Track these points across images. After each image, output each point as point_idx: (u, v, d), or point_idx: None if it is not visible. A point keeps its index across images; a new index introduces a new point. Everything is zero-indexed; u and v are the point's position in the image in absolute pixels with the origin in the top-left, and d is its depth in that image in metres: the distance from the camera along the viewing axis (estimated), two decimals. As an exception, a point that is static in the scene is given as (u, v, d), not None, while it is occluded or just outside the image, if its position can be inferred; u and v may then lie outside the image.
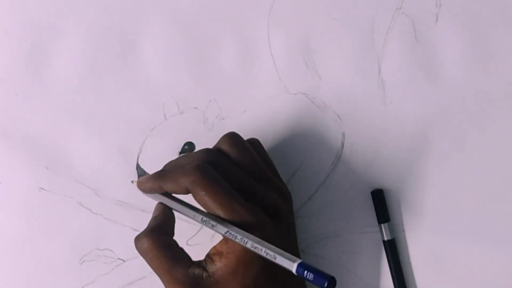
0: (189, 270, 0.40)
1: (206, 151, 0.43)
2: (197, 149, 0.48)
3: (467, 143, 0.48)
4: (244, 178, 0.42)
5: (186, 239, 0.47)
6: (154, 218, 0.42)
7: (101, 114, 0.48)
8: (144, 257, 0.41)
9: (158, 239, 0.40)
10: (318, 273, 0.34)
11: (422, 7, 0.47)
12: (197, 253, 0.46)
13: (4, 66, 0.47)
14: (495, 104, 0.48)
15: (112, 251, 0.48)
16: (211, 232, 0.46)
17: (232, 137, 0.43)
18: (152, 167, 0.47)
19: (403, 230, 0.48)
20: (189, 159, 0.42)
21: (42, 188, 0.47)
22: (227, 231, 0.39)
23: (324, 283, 0.33)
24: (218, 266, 0.40)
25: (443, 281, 0.48)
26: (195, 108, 0.48)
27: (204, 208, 0.40)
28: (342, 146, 0.48)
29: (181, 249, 0.41)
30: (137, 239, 0.41)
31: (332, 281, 0.34)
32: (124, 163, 0.48)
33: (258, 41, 0.48)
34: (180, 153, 0.48)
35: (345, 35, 0.48)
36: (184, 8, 0.48)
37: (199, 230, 0.47)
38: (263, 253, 0.38)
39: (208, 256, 0.41)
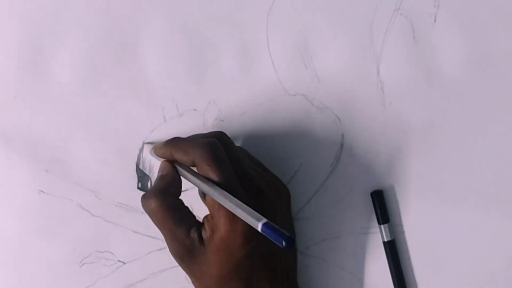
0: (190, 232, 0.41)
1: (220, 133, 0.44)
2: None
3: (466, 143, 0.48)
4: (246, 168, 0.43)
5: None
6: (161, 177, 0.43)
7: (100, 116, 0.48)
8: (149, 216, 0.42)
9: (166, 200, 0.41)
10: (278, 232, 0.36)
11: (420, 8, 0.48)
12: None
13: (3, 69, 0.47)
14: (494, 105, 0.48)
15: (112, 253, 0.48)
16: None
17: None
18: (152, 169, 0.48)
19: (403, 231, 0.48)
20: (204, 134, 0.44)
21: (42, 191, 0.47)
22: (203, 177, 0.41)
23: (282, 242, 0.36)
24: (207, 236, 0.41)
25: (443, 282, 0.48)
26: (194, 110, 0.48)
27: None
28: (342, 147, 0.48)
29: (187, 209, 0.42)
30: (145, 198, 0.42)
31: (289, 240, 0.36)
32: (123, 165, 0.48)
33: (257, 43, 0.48)
34: (180, 155, 0.48)
35: (343, 36, 0.48)
36: (184, 11, 0.48)
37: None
38: (232, 202, 0.39)
39: (203, 222, 0.42)
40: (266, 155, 0.48)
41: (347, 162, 0.48)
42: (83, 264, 0.48)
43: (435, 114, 0.48)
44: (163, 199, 0.41)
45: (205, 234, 0.41)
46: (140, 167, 0.48)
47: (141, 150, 0.48)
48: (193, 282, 0.44)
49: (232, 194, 0.40)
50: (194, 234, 0.41)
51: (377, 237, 0.48)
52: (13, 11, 0.47)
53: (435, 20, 0.48)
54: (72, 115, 0.48)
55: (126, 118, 0.48)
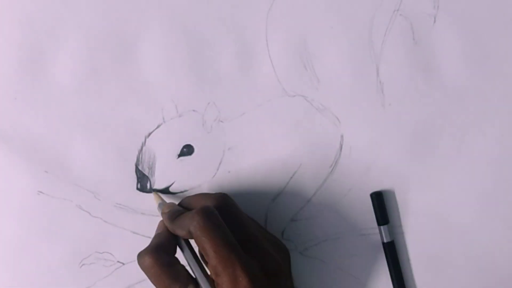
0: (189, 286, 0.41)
1: (221, 195, 0.44)
2: (196, 152, 0.48)
3: (465, 144, 0.48)
4: (250, 229, 0.43)
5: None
6: (157, 236, 0.43)
7: (100, 117, 0.48)
8: (145, 273, 0.42)
9: (160, 258, 0.41)
10: None
11: (420, 9, 0.48)
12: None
13: (3, 70, 0.47)
14: (494, 106, 0.48)
15: (111, 254, 0.48)
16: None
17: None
18: (151, 170, 0.48)
19: (403, 232, 0.48)
20: (202, 199, 0.44)
21: (41, 192, 0.47)
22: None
23: None
24: None
25: (443, 283, 0.48)
26: (193, 110, 0.48)
27: (203, 253, 0.41)
28: (341, 148, 0.48)
29: (182, 266, 0.42)
30: (140, 256, 0.42)
31: None
32: (123, 166, 0.48)
33: (256, 43, 0.48)
34: (179, 156, 0.48)
35: (343, 37, 0.48)
36: (183, 12, 0.48)
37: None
38: None
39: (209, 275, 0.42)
40: (266, 156, 0.48)
41: (347, 163, 0.48)
42: (83, 265, 0.48)
43: (435, 115, 0.48)
44: (157, 256, 0.41)
45: None
46: (140, 168, 0.48)
47: (140, 151, 0.48)
48: None
49: (234, 259, 0.40)
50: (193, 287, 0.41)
51: (376, 238, 0.48)
52: (13, 12, 0.47)
53: (434, 21, 0.48)
54: (72, 116, 0.48)
55: (125, 119, 0.48)
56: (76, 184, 0.48)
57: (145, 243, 0.47)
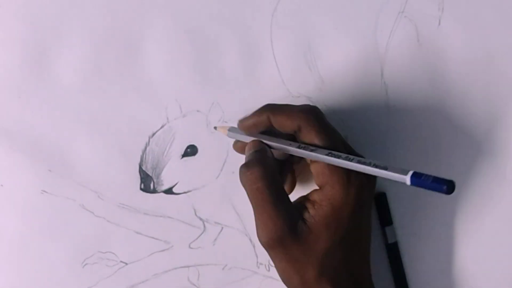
0: (291, 206, 0.40)
1: (313, 106, 0.42)
2: (199, 152, 0.48)
3: (470, 146, 0.48)
4: (342, 138, 0.43)
5: (189, 242, 0.47)
6: (258, 152, 0.41)
7: (104, 116, 0.48)
8: (249, 186, 0.39)
9: (270, 170, 0.39)
10: (435, 179, 0.32)
11: (425, 10, 0.48)
12: (199, 257, 0.46)
13: (7, 68, 0.47)
14: (498, 108, 0.48)
15: (114, 254, 0.48)
16: (214, 235, 0.47)
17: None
18: (155, 170, 0.47)
19: (406, 234, 0.48)
20: (292, 107, 0.42)
21: (44, 191, 0.47)
22: (329, 153, 0.38)
23: (443, 188, 0.32)
24: (311, 214, 0.39)
25: (446, 285, 0.48)
26: (197, 111, 0.48)
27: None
28: (345, 149, 0.48)
29: (285, 190, 0.41)
30: (248, 167, 0.39)
31: (451, 185, 0.32)
32: (126, 166, 0.47)
33: (261, 44, 0.48)
34: (183, 156, 0.48)
35: (348, 38, 0.48)
36: (188, 11, 0.48)
37: (202, 233, 0.47)
38: (371, 166, 0.37)
39: (300, 203, 0.41)
40: (270, 156, 0.48)
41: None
42: (85, 264, 0.48)
43: (439, 116, 0.48)
44: (267, 168, 0.39)
45: (306, 213, 0.39)
46: (143, 168, 0.48)
47: (144, 151, 0.48)
48: (282, 269, 0.40)
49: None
50: (294, 211, 0.39)
51: (380, 239, 0.48)
52: (17, 10, 0.47)
53: (439, 23, 0.48)
54: (76, 115, 0.48)
55: (129, 118, 0.48)
56: (80, 184, 0.47)
57: (148, 243, 0.47)
